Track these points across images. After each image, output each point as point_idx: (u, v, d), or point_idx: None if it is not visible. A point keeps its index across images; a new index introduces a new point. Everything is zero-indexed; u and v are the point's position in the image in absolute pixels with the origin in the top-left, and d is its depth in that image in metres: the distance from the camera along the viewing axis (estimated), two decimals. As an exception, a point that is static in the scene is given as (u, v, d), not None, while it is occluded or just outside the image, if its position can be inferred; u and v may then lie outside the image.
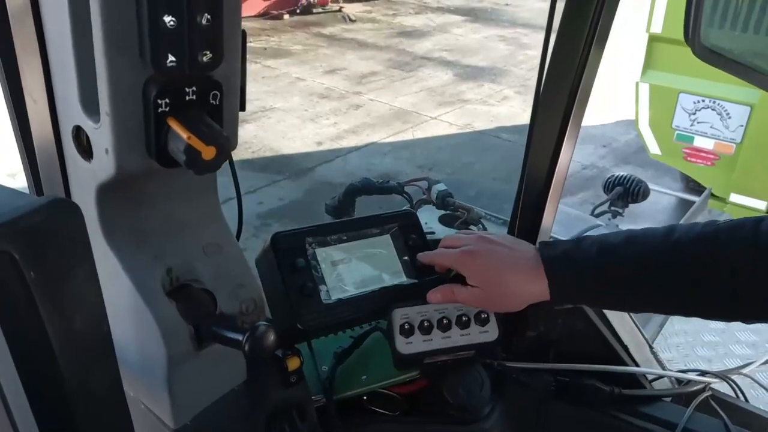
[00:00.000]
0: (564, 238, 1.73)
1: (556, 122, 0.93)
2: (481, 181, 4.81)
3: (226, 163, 0.77)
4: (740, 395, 1.14)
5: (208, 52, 0.54)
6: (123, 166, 0.58)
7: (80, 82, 0.57)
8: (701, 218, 2.75)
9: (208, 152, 0.55)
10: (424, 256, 0.92)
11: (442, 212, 1.27)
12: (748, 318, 0.80)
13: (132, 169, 0.58)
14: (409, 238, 0.96)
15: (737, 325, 2.07)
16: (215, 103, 0.58)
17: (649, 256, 0.78)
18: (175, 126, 0.55)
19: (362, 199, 1.39)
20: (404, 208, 1.33)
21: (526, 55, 8.42)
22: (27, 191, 0.76)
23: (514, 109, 6.62)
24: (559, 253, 0.81)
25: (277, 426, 0.82)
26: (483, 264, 0.83)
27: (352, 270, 0.92)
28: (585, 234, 1.01)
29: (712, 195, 3.74)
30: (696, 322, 2.09)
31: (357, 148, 5.46)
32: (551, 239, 0.91)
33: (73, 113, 0.60)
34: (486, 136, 5.91)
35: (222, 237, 0.72)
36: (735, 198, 3.74)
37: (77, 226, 0.50)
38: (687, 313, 0.84)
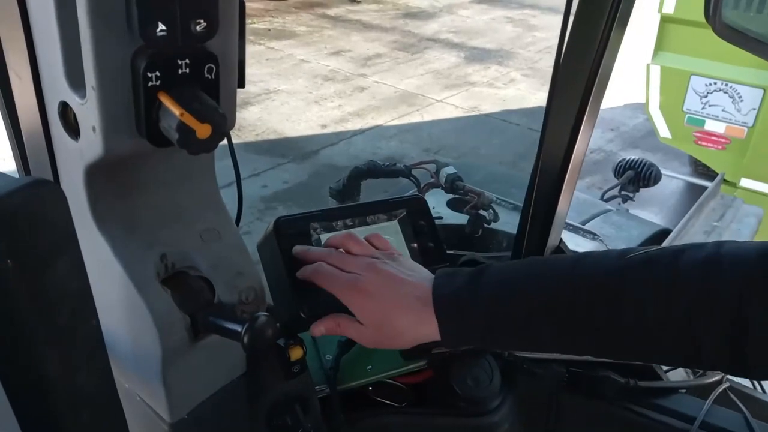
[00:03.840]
0: (574, 223, 1.68)
1: (574, 107, 0.89)
2: (488, 166, 4.76)
3: (228, 147, 0.74)
4: (758, 386, 1.10)
5: (201, 21, 0.50)
6: (111, 145, 0.53)
7: (65, 54, 0.53)
8: (713, 204, 2.70)
9: (203, 130, 0.51)
10: (301, 252, 0.81)
11: (451, 196, 1.23)
12: (663, 363, 0.71)
13: (121, 148, 0.54)
14: (418, 224, 0.92)
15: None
16: (211, 78, 0.54)
17: (549, 293, 0.69)
18: (166, 102, 0.51)
19: (367, 182, 1.35)
20: (411, 191, 1.30)
21: (534, 36, 8.30)
22: (16, 175, 0.72)
23: (522, 92, 6.54)
24: (452, 292, 0.72)
25: (278, 419, 0.79)
26: (369, 304, 0.75)
27: (357, 257, 0.88)
28: (500, 256, 0.94)
29: (723, 180, 3.68)
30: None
31: (362, 131, 5.41)
32: (453, 270, 0.78)
33: (58, 88, 0.56)
34: (493, 120, 5.84)
35: (220, 223, 0.68)
36: (746, 183, 3.68)
37: (60, 210, 0.46)
38: (599, 354, 0.76)
